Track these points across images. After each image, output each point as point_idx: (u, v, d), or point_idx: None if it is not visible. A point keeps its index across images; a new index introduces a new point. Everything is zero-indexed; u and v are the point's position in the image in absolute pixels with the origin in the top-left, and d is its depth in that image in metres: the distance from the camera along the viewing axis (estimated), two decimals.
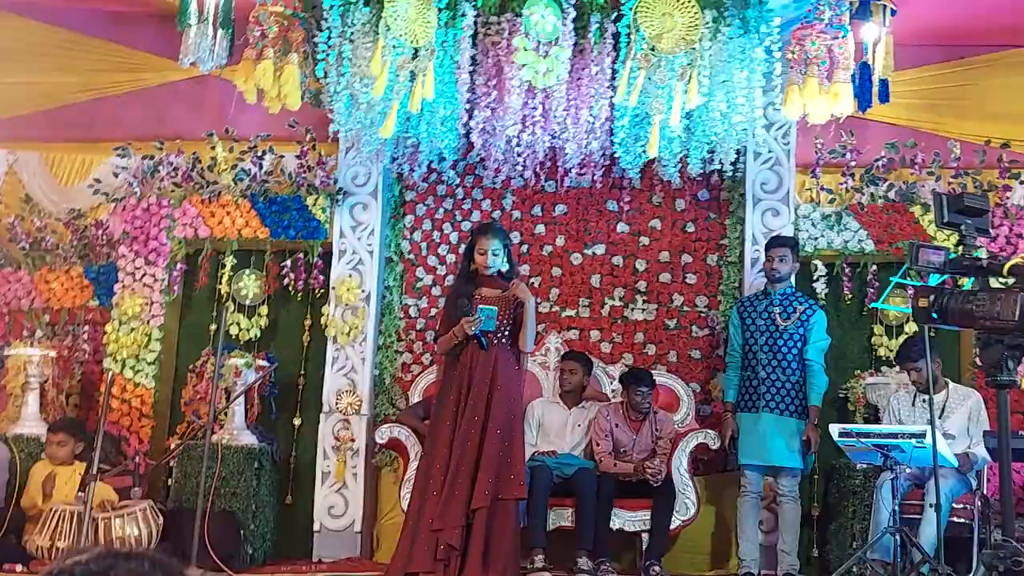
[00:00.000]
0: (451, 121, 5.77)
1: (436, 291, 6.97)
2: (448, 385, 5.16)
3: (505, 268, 5.23)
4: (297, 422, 6.79)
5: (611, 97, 5.48)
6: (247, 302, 6.89)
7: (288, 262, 6.87)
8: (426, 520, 4.89)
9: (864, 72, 5.53)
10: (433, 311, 6.92)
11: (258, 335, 6.84)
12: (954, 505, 5.38)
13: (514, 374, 5.22)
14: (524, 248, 6.94)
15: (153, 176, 7.04)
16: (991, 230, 6.27)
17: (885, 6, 5.67)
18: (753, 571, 5.73)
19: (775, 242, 6.07)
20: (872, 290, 6.51)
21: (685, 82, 5.11)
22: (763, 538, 6.03)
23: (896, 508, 4.90)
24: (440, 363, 5.28)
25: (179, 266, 6.92)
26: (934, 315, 2.65)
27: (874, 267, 6.57)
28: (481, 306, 5.04)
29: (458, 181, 7.07)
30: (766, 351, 5.90)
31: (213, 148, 6.93)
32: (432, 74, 5.04)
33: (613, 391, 6.49)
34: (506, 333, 5.35)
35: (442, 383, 5.29)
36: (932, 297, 2.65)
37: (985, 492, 5.60)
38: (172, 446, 6.45)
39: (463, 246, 6.83)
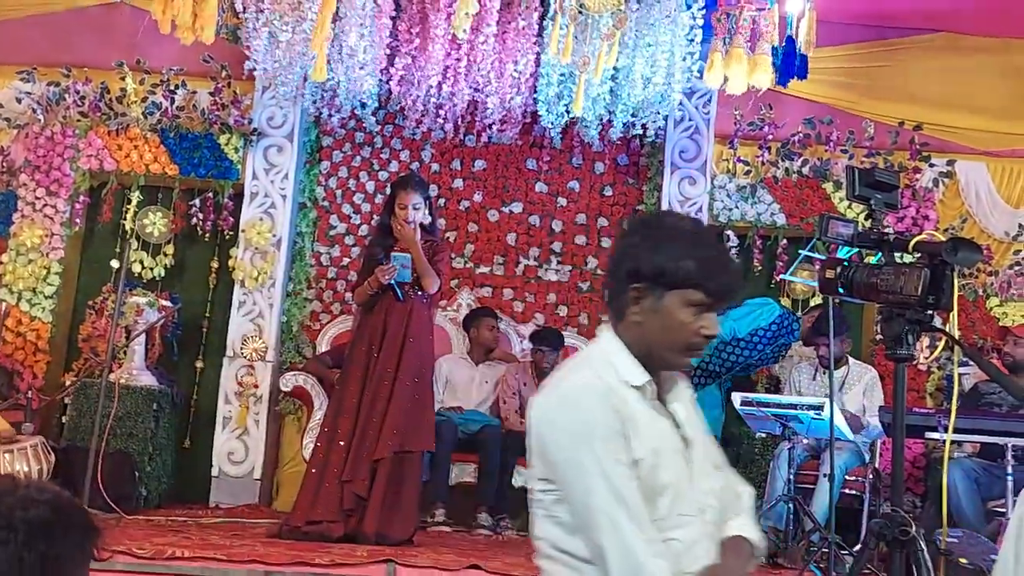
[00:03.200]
0: (372, 67, 5.65)
1: (349, 240, 6.87)
2: (361, 335, 5.10)
3: (427, 221, 5.16)
4: (200, 365, 6.67)
5: (537, 53, 5.43)
6: (152, 240, 6.71)
7: (197, 201, 6.70)
8: (332, 469, 4.85)
9: (788, 46, 5.56)
10: (346, 260, 6.83)
11: (162, 274, 6.68)
12: (847, 477, 5.52)
13: (428, 327, 5.18)
14: (441, 202, 6.87)
15: (58, 104, 6.77)
16: (900, 210, 6.45)
17: None
18: None
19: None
20: (781, 263, 6.62)
21: (610, 43, 5.08)
22: None
23: (791, 477, 5.00)
24: (355, 313, 5.20)
25: (82, 198, 6.71)
26: (840, 288, 2.67)
27: (784, 240, 6.67)
28: (394, 253, 4.97)
29: (377, 129, 6.95)
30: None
31: (123, 79, 6.68)
32: (331, 3, 4.85)
33: (523, 350, 6.50)
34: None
35: (355, 333, 5.23)
36: (838, 269, 2.67)
37: (878, 466, 5.77)
38: (67, 383, 6.28)
39: (379, 195, 6.75)
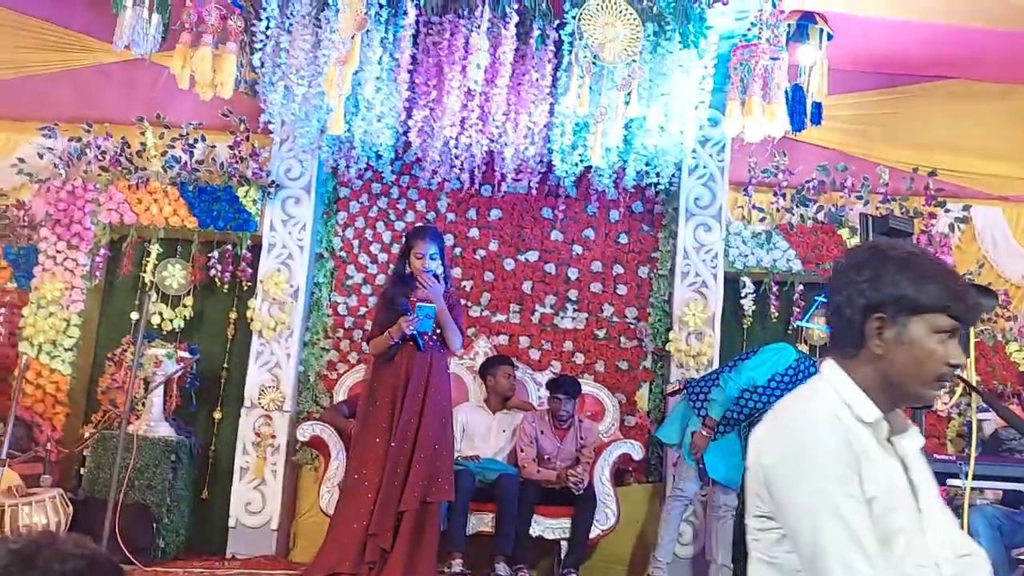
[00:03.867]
0: (389, 119, 5.73)
1: (366, 289, 6.91)
2: (381, 386, 5.10)
3: (440, 271, 5.22)
4: (217, 416, 6.68)
5: (551, 104, 5.49)
6: (171, 292, 6.76)
7: (216, 253, 6.75)
8: (357, 520, 4.84)
9: (797, 94, 5.60)
10: (363, 310, 6.86)
11: (181, 326, 6.72)
12: None
13: (447, 376, 5.21)
14: (457, 251, 6.91)
15: (80, 159, 6.87)
16: None
17: (822, 30, 5.77)
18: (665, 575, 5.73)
19: None
20: (798, 309, 6.61)
21: (626, 93, 5.14)
22: (679, 550, 6.05)
23: None
24: (369, 363, 5.22)
25: (102, 251, 6.77)
26: None
27: (800, 286, 6.67)
28: (420, 304, 5.01)
29: (394, 180, 7.01)
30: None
31: (143, 133, 6.79)
32: (354, 61, 4.92)
33: (540, 398, 6.49)
34: (439, 334, 5.33)
35: (372, 383, 5.23)
36: None
37: None
38: (86, 435, 6.30)
39: (396, 245, 6.80)
